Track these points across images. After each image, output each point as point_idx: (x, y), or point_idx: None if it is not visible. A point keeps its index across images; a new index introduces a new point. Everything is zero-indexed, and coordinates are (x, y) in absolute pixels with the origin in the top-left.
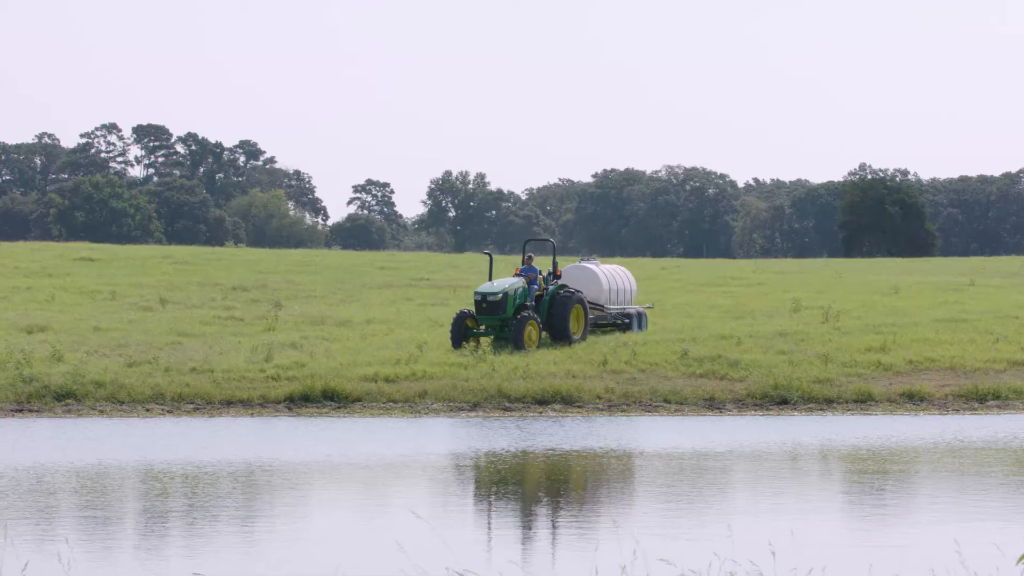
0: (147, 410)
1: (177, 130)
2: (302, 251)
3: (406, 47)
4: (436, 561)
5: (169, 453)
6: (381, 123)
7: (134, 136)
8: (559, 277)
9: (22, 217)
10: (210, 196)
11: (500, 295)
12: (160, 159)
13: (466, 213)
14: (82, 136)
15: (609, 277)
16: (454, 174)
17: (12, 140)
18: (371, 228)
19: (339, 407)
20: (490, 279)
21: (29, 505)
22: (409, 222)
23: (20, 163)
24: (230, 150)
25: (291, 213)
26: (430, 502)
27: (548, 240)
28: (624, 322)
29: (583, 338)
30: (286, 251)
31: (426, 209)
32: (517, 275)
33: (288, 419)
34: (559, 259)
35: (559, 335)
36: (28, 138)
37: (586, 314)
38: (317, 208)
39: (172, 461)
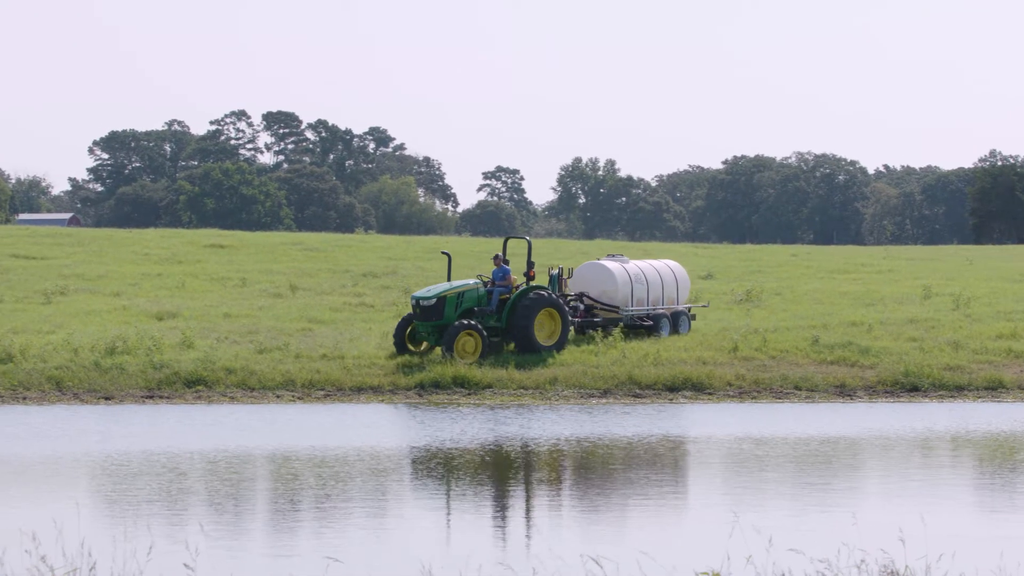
0: (277, 396)
1: (307, 117)
2: (432, 238)
3: (537, 34)
4: (570, 548)
5: (299, 438)
6: (511, 109)
7: (264, 123)
8: (533, 278)
9: (152, 204)
10: (340, 183)
11: (434, 299)
12: (290, 146)
13: (596, 200)
14: (212, 123)
15: (633, 276)
16: (584, 160)
17: (142, 127)
18: (501, 215)
19: (469, 393)
20: (448, 279)
21: (161, 489)
22: (539, 208)
23: (150, 150)
24: (360, 137)
25: (421, 200)
26: (564, 489)
27: (524, 238)
28: (646, 324)
29: (559, 347)
30: (416, 238)
31: (556, 196)
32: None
33: (418, 406)
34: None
35: (522, 344)
36: (158, 125)
37: (565, 318)
38: (447, 195)
39: (302, 447)
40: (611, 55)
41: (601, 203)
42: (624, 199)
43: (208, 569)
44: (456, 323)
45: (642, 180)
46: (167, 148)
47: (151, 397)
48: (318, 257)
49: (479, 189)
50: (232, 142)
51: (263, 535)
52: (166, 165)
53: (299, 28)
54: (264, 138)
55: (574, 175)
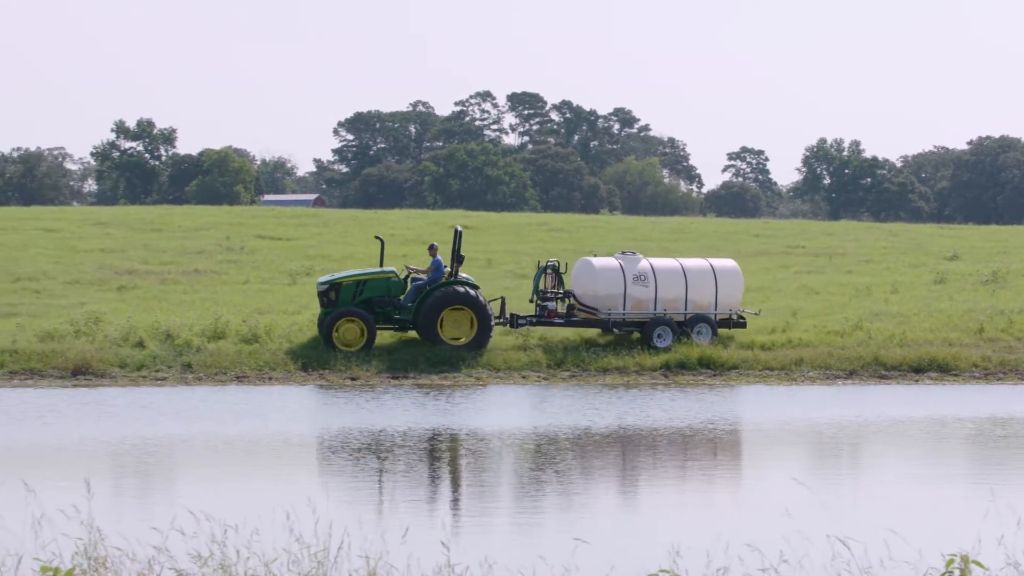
0: (523, 377)
1: (551, 98)
2: (678, 218)
3: (780, 15)
4: (818, 528)
5: (543, 419)
6: (755, 91)
7: (508, 104)
8: (455, 272)
9: (397, 185)
10: (585, 164)
11: (327, 286)
12: (534, 127)
13: (841, 180)
14: (456, 104)
15: (632, 276)
16: (829, 141)
17: (387, 108)
18: (745, 195)
19: (715, 375)
20: (381, 266)
21: (420, 468)
22: (783, 189)
23: (395, 131)
24: (604, 118)
25: (665, 181)
26: (811, 469)
27: (454, 227)
28: (627, 331)
29: (475, 345)
30: (662, 218)
31: (800, 176)
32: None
33: (664, 387)
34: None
35: (425, 337)
36: (403, 106)
37: (483, 317)
38: (692, 176)
39: (545, 426)
40: (852, 35)
41: (846, 184)
42: (869, 180)
43: (460, 550)
44: (338, 310)
45: (887, 161)
46: (412, 129)
47: (395, 378)
48: (563, 238)
49: (724, 170)
50: (477, 123)
51: (507, 518)
52: (411, 146)
53: (543, 9)
54: (509, 119)
55: (819, 156)
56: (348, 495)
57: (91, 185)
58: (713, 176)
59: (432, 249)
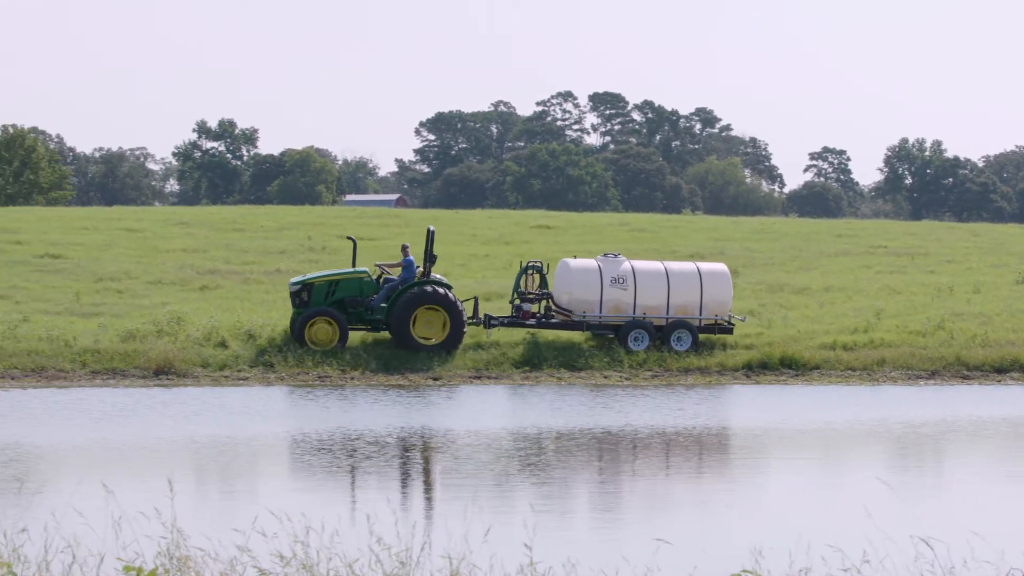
0: (604, 377)
1: (633, 98)
2: (759, 219)
3: (862, 15)
4: (901, 528)
5: (619, 418)
6: (837, 90)
7: (590, 104)
8: (428, 272)
9: (479, 185)
10: (666, 164)
11: (299, 286)
12: (616, 127)
13: (922, 180)
14: (538, 104)
15: (610, 278)
16: (910, 141)
17: (469, 108)
18: (827, 195)
19: (797, 375)
20: (353, 266)
21: (492, 465)
22: (865, 189)
23: (477, 131)
24: (686, 118)
25: (747, 181)
26: (894, 469)
27: (428, 227)
28: (605, 334)
29: (448, 346)
30: (743, 219)
31: (882, 176)
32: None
33: (746, 386)
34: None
35: (399, 341)
36: (485, 106)
37: (455, 317)
38: (773, 175)
39: (622, 425)
40: (937, 34)
41: (928, 184)
42: (950, 180)
43: (541, 549)
44: (310, 309)
45: (968, 161)
46: (493, 129)
47: (479, 377)
48: (645, 238)
49: (805, 170)
50: (558, 123)
51: (589, 516)
52: (492, 146)
53: (625, 9)
54: (590, 119)
55: (900, 156)
56: (429, 495)
57: (173, 185)
58: (795, 176)
59: (404, 249)
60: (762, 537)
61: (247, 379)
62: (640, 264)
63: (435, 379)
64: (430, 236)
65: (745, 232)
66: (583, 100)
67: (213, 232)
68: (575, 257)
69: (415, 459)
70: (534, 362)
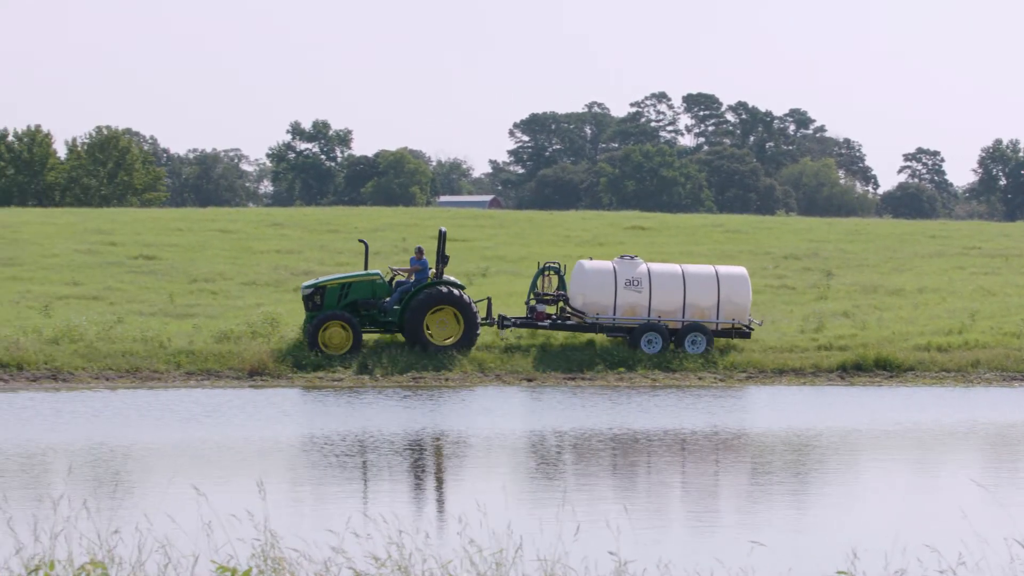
0: (699, 379)
1: (727, 99)
2: (853, 220)
3: (955, 16)
4: (997, 530)
5: (715, 419)
6: (930, 91)
7: (684, 105)
8: (441, 273)
9: (572, 186)
10: (760, 165)
11: (311, 289)
12: (710, 128)
13: (1017, 181)
14: (632, 105)
15: (624, 280)
16: (1004, 142)
17: (562, 109)
18: (921, 197)
19: (891, 376)
20: (365, 269)
21: (580, 464)
22: (959, 190)
23: (571, 132)
24: (780, 119)
25: (841, 182)
26: (989, 471)
27: (440, 228)
28: (615, 336)
29: (461, 346)
30: (837, 220)
31: (976, 177)
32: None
33: (840, 387)
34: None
35: (411, 339)
36: (579, 107)
37: (469, 317)
38: (867, 177)
39: (719, 427)
40: None
41: (1022, 185)
42: None
43: (634, 550)
44: (324, 313)
45: None
46: (587, 130)
47: (572, 379)
48: (739, 239)
49: (899, 171)
50: (652, 124)
51: (684, 520)
52: (586, 147)
53: (718, 9)
54: (684, 120)
55: (995, 157)
56: (523, 495)
57: (267, 186)
58: (889, 177)
59: (418, 251)
60: (858, 538)
61: (341, 380)
62: (656, 267)
63: (529, 380)
64: (442, 237)
65: (839, 233)
66: (677, 101)
67: (307, 233)
68: (590, 259)
69: (503, 460)
70: (629, 363)
